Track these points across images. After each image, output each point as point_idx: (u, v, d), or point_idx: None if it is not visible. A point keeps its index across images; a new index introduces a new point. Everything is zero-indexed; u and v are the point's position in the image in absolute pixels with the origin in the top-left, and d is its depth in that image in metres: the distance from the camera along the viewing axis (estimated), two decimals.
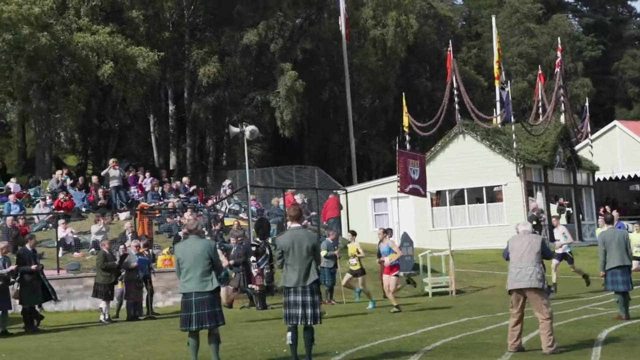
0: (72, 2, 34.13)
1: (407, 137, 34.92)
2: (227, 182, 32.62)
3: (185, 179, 32.71)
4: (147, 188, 30.15)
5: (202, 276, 10.34)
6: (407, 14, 48.12)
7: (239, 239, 20.66)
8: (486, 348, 11.45)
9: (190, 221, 11.14)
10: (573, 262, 21.00)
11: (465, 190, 33.19)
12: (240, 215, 28.97)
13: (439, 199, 33.66)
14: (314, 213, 28.78)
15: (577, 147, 37.79)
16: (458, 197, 33.81)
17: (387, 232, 19.75)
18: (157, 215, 27.66)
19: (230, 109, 41.89)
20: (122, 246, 21.06)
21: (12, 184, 30.33)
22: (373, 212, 34.72)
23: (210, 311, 10.31)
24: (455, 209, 33.26)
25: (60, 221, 25.25)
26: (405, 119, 34.67)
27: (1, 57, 31.36)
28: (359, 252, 19.70)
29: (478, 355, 10.96)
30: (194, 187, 31.63)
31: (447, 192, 33.42)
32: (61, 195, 27.96)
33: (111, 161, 29.80)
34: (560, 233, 20.84)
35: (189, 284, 10.40)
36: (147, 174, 31.63)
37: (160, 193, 30.06)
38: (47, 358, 12.99)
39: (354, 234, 20.87)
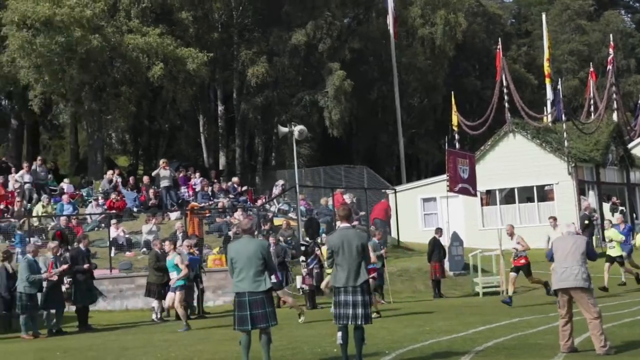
0: (122, 5, 34.40)
1: (456, 136, 34.74)
2: (280, 182, 32.76)
3: (235, 179, 32.94)
4: (197, 188, 30.46)
5: (255, 276, 10.33)
6: (456, 12, 47.86)
7: (279, 239, 20.75)
8: (538, 349, 11.33)
9: (244, 221, 11.09)
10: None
11: (515, 190, 32.90)
12: (290, 215, 29.07)
13: (489, 198, 33.43)
14: (362, 213, 28.74)
15: (630, 145, 37.22)
16: (508, 197, 33.53)
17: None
18: (207, 215, 27.81)
19: (279, 109, 42.03)
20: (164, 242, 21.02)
21: (65, 185, 30.84)
22: (422, 211, 34.59)
23: (263, 311, 10.30)
24: (505, 208, 32.99)
25: (113, 221, 25.59)
26: (454, 118, 34.50)
27: (54, 60, 31.67)
28: None
29: (530, 355, 10.85)
30: (244, 188, 31.87)
31: (497, 192, 33.17)
32: (113, 196, 28.36)
33: (162, 162, 30.14)
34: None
35: (242, 283, 10.38)
36: (197, 174, 31.96)
37: (210, 193, 30.33)
38: (101, 356, 13.11)
39: None
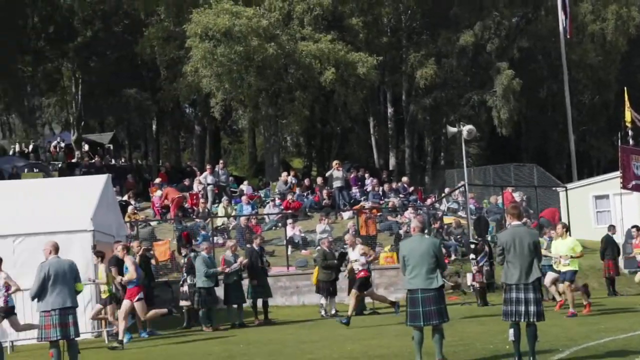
0: (296, 14, 35.34)
1: (630, 133, 33.65)
2: (462, 182, 33.00)
3: (404, 179, 33.38)
4: (369, 188, 31.13)
5: (428, 273, 10.46)
6: (629, 6, 46.18)
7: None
8: None
9: (417, 219, 11.51)
10: None
11: None
12: (459, 213, 29.23)
13: None
14: (532, 211, 28.52)
15: None
16: None
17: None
18: (379, 214, 28.27)
19: (448, 110, 42.20)
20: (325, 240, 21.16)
21: (244, 187, 32.35)
22: (594, 209, 33.74)
23: (436, 308, 10.41)
24: None
25: (289, 221, 26.44)
26: (628, 114, 33.40)
27: (233, 68, 33.16)
28: None
29: None
30: (413, 187, 32.30)
31: None
32: (289, 196, 29.37)
33: (335, 163, 30.80)
34: None
35: (415, 280, 10.53)
36: (367, 175, 32.67)
37: (380, 193, 30.91)
38: (280, 349, 13.49)
39: None
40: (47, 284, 11.32)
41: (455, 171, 36.08)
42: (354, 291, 17.37)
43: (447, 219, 27.53)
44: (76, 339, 11.62)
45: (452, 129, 26.40)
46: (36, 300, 11.61)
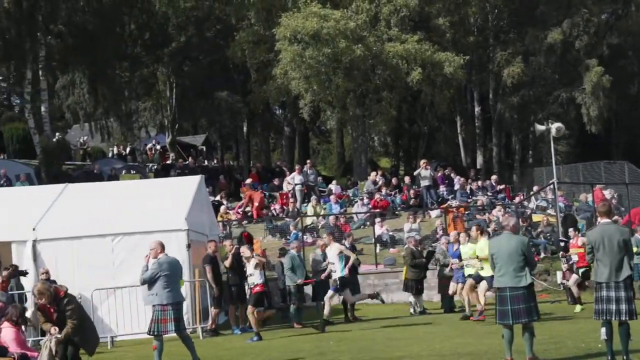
0: (383, 15, 35.56)
1: None
2: (551, 180, 32.83)
3: (493, 177, 33.33)
4: (456, 187, 31.22)
5: (516, 272, 10.41)
6: None
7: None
8: None
9: (506, 217, 11.41)
10: None
11: None
12: (548, 211, 29.04)
13: None
14: (622, 209, 28.14)
15: None
16: None
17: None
18: (466, 212, 28.23)
19: (535, 107, 41.88)
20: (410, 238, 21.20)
21: (333, 186, 32.87)
22: None
23: (525, 306, 10.34)
24: None
25: (377, 219, 26.65)
26: None
27: (321, 70, 33.66)
28: None
29: None
30: (502, 186, 32.22)
31: None
32: (377, 195, 29.59)
33: (422, 162, 30.83)
34: None
35: (503, 278, 10.50)
36: (453, 173, 32.70)
37: (468, 191, 30.96)
38: (370, 346, 13.52)
39: None
40: (161, 279, 11.74)
41: (544, 169, 35.83)
42: (250, 308, 16.20)
43: (536, 217, 27.36)
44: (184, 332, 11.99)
45: (541, 127, 26.22)
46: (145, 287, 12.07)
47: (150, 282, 11.79)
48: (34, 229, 17.19)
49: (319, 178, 34.06)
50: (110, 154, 49.26)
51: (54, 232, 17.21)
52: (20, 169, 32.93)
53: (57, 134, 45.91)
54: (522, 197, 31.13)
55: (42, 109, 37.19)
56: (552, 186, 27.24)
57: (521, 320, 10.38)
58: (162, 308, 11.74)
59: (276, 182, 33.71)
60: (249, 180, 33.06)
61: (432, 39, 35.90)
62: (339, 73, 33.80)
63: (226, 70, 44.56)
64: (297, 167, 32.93)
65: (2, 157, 40.33)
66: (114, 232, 17.27)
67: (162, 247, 12.20)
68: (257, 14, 38.51)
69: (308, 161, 34.57)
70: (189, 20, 43.76)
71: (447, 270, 18.68)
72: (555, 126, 25.06)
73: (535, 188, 31.72)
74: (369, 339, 14.64)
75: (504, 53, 40.01)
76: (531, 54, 40.79)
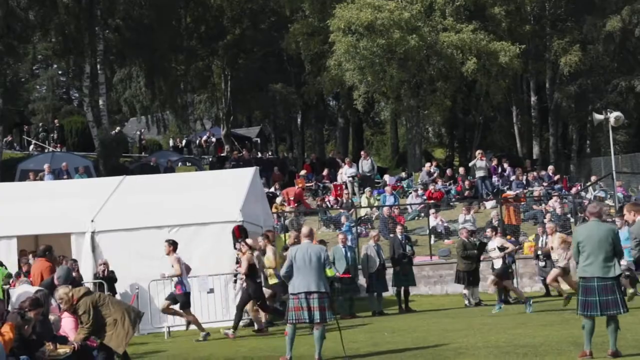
0: (438, 5, 35.50)
1: None
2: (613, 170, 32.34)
3: (550, 167, 32.95)
4: (512, 177, 30.95)
5: (605, 261, 9.96)
6: None
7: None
8: None
9: (594, 205, 10.98)
10: None
11: None
12: (606, 202, 28.64)
13: None
14: None
15: None
16: None
17: None
18: (522, 203, 27.94)
19: (593, 97, 41.24)
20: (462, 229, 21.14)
21: (387, 177, 32.86)
22: None
23: (613, 297, 9.92)
24: None
25: (431, 210, 26.55)
26: None
27: (375, 61, 33.70)
28: None
29: None
30: (558, 176, 31.85)
31: None
32: (431, 186, 29.63)
33: (478, 152, 30.70)
34: None
35: (590, 268, 10.02)
36: (506, 164, 32.33)
37: (524, 182, 30.65)
38: (425, 337, 13.38)
39: None
40: (293, 268, 11.54)
41: (602, 159, 35.36)
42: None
43: None
44: (323, 323, 11.56)
45: (599, 116, 25.87)
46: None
47: (287, 274, 11.68)
48: (92, 221, 17.45)
49: (374, 169, 33.87)
50: (166, 147, 49.85)
51: (112, 224, 17.44)
52: (79, 162, 33.57)
53: (116, 127, 46.67)
54: (579, 188, 30.73)
55: (100, 102, 37.83)
56: (610, 176, 26.85)
57: (609, 312, 9.98)
58: (293, 297, 11.55)
59: (325, 172, 33.65)
60: (303, 172, 33.21)
61: (487, 29, 35.72)
62: (393, 64, 33.81)
63: (280, 62, 44.83)
64: (347, 159, 32.93)
65: (62, 150, 41.08)
66: (170, 224, 17.34)
67: (305, 235, 11.99)
68: (312, 5, 38.68)
69: (362, 152, 34.53)
70: (243, 13, 44.11)
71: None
72: (613, 115, 24.74)
73: (592, 178, 31.30)
74: (423, 330, 14.55)
75: (561, 42, 39.44)
76: (589, 42, 40.17)
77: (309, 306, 11.37)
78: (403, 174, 34.28)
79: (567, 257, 17.31)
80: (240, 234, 16.44)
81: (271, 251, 16.53)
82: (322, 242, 19.14)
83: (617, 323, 10.04)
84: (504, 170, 31.60)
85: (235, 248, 16.31)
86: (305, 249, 11.62)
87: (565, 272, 17.56)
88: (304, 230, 12.28)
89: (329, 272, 11.80)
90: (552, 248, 17.90)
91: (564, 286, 17.85)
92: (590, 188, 30.14)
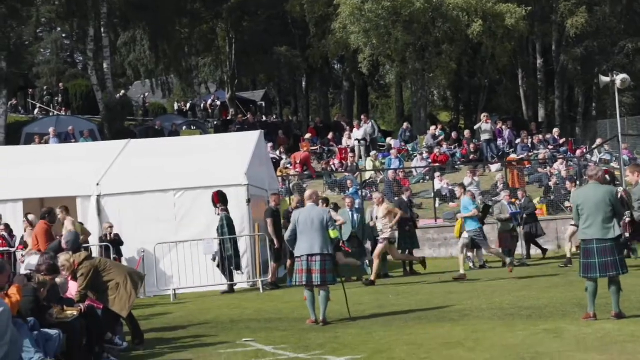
0: None
1: None
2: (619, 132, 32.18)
3: (555, 130, 32.86)
4: (517, 140, 30.88)
5: (604, 223, 9.96)
6: None
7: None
8: None
9: (593, 167, 11.04)
10: None
11: None
12: (612, 164, 28.60)
13: None
14: None
15: None
16: None
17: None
18: (528, 166, 27.98)
19: (600, 59, 40.96)
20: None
21: (392, 141, 32.82)
22: None
23: (612, 259, 9.92)
24: None
25: (436, 174, 26.69)
26: None
27: (380, 23, 33.49)
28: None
29: None
30: (564, 139, 31.77)
31: None
32: (436, 150, 29.71)
33: (483, 116, 30.65)
34: None
35: (590, 230, 10.04)
36: (506, 127, 32.08)
37: (529, 145, 30.58)
38: (429, 300, 13.48)
39: None
40: (296, 231, 11.58)
41: (607, 121, 35.23)
42: None
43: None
44: (327, 285, 11.62)
45: (605, 79, 25.63)
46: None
47: (290, 238, 11.76)
48: (98, 184, 17.54)
49: (378, 132, 33.85)
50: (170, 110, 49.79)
51: (118, 187, 17.54)
52: (84, 126, 33.57)
53: (121, 90, 46.57)
54: (584, 150, 30.67)
55: (105, 66, 37.73)
56: (616, 139, 26.76)
57: (609, 273, 10.00)
58: (297, 259, 11.65)
59: (330, 136, 33.61)
60: (308, 135, 33.16)
61: None
62: (399, 26, 33.62)
63: (285, 25, 44.52)
64: (355, 122, 32.85)
65: (66, 113, 41.06)
66: (175, 187, 17.45)
67: (310, 197, 11.95)
68: None
69: (362, 116, 34.42)
70: None
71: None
72: (620, 77, 24.50)
73: (598, 141, 31.23)
74: (427, 293, 14.63)
75: (567, 3, 39.08)
76: (596, 4, 39.81)
77: (309, 269, 11.44)
78: (405, 125, 34.29)
79: (392, 227, 17.13)
80: (219, 199, 16.58)
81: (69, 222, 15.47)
82: (335, 205, 19.37)
83: (618, 285, 10.07)
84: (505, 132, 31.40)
85: (216, 215, 16.51)
86: (308, 212, 11.63)
87: (390, 242, 17.34)
88: (307, 193, 12.29)
89: (332, 234, 11.72)
90: (376, 218, 17.55)
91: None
92: (596, 151, 30.07)
